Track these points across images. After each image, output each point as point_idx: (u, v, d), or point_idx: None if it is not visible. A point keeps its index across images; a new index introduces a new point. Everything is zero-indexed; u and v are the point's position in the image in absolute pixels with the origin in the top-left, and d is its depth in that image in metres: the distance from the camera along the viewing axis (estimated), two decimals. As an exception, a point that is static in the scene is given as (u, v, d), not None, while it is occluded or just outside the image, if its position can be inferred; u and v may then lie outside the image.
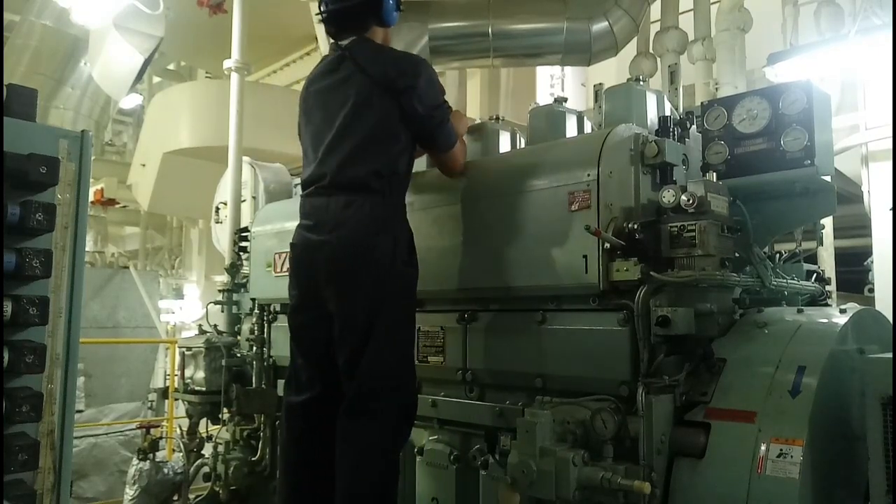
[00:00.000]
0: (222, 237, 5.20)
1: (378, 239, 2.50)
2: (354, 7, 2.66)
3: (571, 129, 2.96)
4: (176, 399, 4.81)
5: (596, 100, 2.92)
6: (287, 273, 2.89)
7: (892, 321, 2.73)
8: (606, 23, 5.39)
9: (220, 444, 4.13)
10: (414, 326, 2.70)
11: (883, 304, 4.43)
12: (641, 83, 2.83)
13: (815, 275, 3.16)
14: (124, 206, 11.86)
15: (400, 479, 3.02)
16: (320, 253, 2.55)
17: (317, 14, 2.76)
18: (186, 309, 11.41)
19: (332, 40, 2.78)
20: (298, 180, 3.85)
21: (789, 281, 2.89)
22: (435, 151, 2.79)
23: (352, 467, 2.47)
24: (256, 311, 3.96)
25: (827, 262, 5.02)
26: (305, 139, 2.77)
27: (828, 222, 4.76)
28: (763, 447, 2.10)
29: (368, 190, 2.52)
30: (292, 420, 2.73)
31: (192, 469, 4.36)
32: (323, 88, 2.70)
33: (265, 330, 3.92)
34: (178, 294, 12.03)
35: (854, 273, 5.36)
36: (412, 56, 2.74)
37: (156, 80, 12.12)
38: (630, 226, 2.37)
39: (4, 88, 2.16)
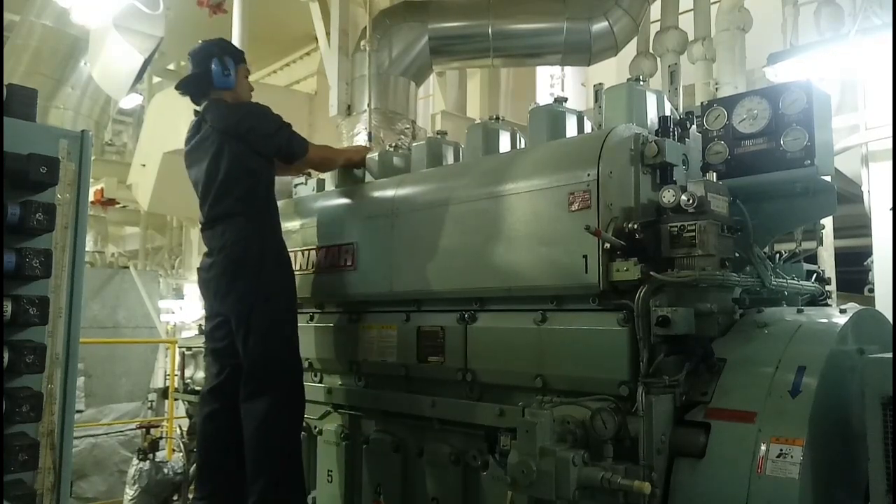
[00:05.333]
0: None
1: (248, 251, 3.08)
2: (191, 80, 3.31)
3: (571, 129, 2.95)
4: (176, 399, 4.81)
5: (596, 100, 2.92)
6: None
7: (892, 321, 2.73)
8: (606, 23, 5.39)
9: (220, 444, 4.12)
10: (294, 318, 3.19)
11: (883, 304, 4.42)
12: (641, 83, 2.82)
13: (815, 275, 3.16)
14: (124, 206, 11.83)
15: (400, 479, 3.04)
16: (211, 272, 3.17)
17: (175, 89, 3.37)
18: (186, 309, 11.39)
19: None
20: (300, 180, 3.88)
21: (789, 281, 2.89)
22: (297, 160, 3.31)
23: (253, 443, 2.99)
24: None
25: (827, 262, 5.01)
26: (196, 190, 3.32)
27: (828, 222, 4.75)
28: (763, 447, 2.10)
29: (235, 215, 3.12)
30: (203, 404, 3.29)
31: (192, 469, 4.35)
32: (192, 148, 3.30)
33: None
34: (178, 294, 12.00)
35: (854, 273, 5.35)
36: (248, 104, 3.29)
37: (156, 80, 12.07)
38: (630, 226, 2.37)
39: (4, 88, 2.16)
